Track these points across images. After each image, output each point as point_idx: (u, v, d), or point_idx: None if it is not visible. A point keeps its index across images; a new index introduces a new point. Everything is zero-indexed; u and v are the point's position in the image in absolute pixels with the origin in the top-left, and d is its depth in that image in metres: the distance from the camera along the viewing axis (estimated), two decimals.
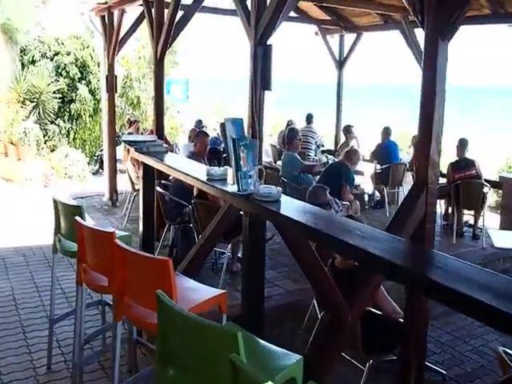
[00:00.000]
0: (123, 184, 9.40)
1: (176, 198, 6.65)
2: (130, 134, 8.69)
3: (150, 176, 4.94)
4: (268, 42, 5.09)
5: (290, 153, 7.77)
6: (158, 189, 6.65)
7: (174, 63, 18.95)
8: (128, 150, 8.21)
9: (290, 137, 7.83)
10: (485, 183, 8.02)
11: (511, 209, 8.75)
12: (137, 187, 8.30)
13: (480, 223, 8.21)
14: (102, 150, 13.88)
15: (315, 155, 10.32)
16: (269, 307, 5.03)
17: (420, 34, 9.13)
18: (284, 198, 3.23)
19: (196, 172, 3.97)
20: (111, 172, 9.33)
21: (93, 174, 13.10)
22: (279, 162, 9.14)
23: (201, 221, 6.20)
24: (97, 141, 13.76)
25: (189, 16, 6.96)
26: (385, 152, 9.37)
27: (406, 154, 10.58)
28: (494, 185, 9.00)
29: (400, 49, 10.17)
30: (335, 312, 3.26)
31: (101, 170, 13.87)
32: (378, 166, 9.36)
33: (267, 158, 11.35)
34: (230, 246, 6.17)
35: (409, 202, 3.54)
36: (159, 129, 7.19)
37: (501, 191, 9.52)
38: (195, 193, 6.14)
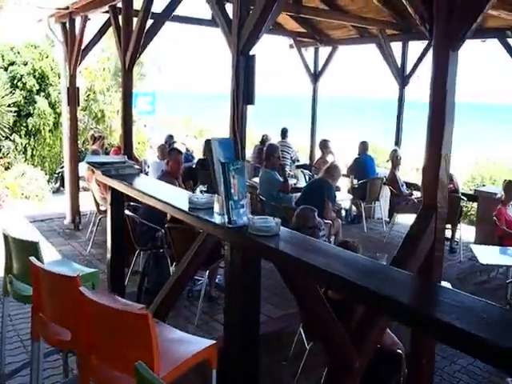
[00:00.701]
0: (86, 204, 8.77)
1: (147, 221, 6.14)
2: (94, 152, 8.07)
3: (119, 201, 4.42)
4: (251, 52, 4.70)
5: (268, 170, 7.32)
6: (127, 212, 6.12)
7: (141, 75, 18.39)
8: (90, 168, 7.71)
9: (268, 153, 7.39)
10: (462, 197, 7.87)
11: (487, 222, 8.58)
12: (102, 208, 7.73)
13: (457, 236, 8.14)
14: (62, 167, 13.24)
15: (290, 170, 9.95)
16: None
17: (396, 47, 8.92)
18: (283, 231, 2.77)
19: (176, 200, 3.46)
20: (73, 192, 8.69)
21: (53, 192, 12.40)
22: (255, 179, 8.71)
23: (175, 247, 5.69)
24: (57, 157, 13.05)
25: (159, 25, 6.52)
26: (362, 167, 9.11)
27: (383, 168, 10.31)
28: (470, 198, 8.98)
29: (376, 62, 9.95)
30: (342, 358, 2.81)
31: (62, 188, 13.16)
32: (355, 181, 9.11)
33: None
34: (207, 273, 5.71)
35: (417, 230, 3.14)
36: (127, 145, 6.69)
37: (475, 204, 9.40)
38: (168, 216, 5.65)
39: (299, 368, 4.45)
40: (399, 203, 8.24)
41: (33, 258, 3.13)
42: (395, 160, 8.29)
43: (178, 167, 6.34)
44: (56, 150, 12.89)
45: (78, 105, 8.67)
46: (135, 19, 6.33)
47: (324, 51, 10.33)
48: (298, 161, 10.40)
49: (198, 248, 4.03)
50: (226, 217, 2.86)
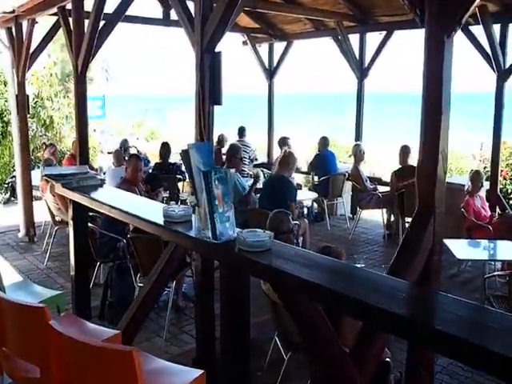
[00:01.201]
0: (41, 214, 8.25)
1: (107, 231, 5.74)
2: (47, 161, 7.51)
3: (82, 215, 4.02)
4: (216, 49, 4.39)
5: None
6: (90, 224, 5.71)
7: (89, 79, 17.69)
8: (44, 178, 7.20)
9: (231, 154, 7.06)
10: None
11: (452, 214, 8.47)
12: (57, 219, 7.25)
13: None
14: (13, 177, 12.56)
15: (249, 170, 9.66)
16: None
17: (354, 40, 8.72)
18: (274, 245, 2.47)
19: (148, 212, 3.12)
20: (26, 203, 8.14)
21: (4, 203, 11.74)
22: None
23: (140, 257, 5.33)
24: (6, 167, 12.36)
25: (111, 26, 6.10)
26: (323, 163, 8.85)
27: (344, 163, 10.12)
28: None
29: (333, 56, 9.75)
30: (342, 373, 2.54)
31: (12, 199, 12.51)
32: (316, 178, 8.89)
33: None
34: (173, 283, 5.36)
35: (414, 235, 2.89)
36: (83, 153, 6.21)
37: None
38: (131, 226, 5.27)
39: (278, 379, 4.16)
40: (363, 199, 8.04)
41: None
42: (358, 154, 8.08)
43: (138, 174, 5.94)
44: (5, 160, 12.20)
45: (28, 112, 8.13)
46: (86, 21, 5.91)
47: (279, 47, 10.06)
48: (256, 159, 10.10)
49: (167, 259, 3.68)
50: (210, 232, 2.53)
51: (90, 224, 5.71)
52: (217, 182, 2.58)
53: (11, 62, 7.84)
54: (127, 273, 5.69)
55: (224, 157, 10.31)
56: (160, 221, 2.92)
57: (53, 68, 14.55)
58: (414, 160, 8.00)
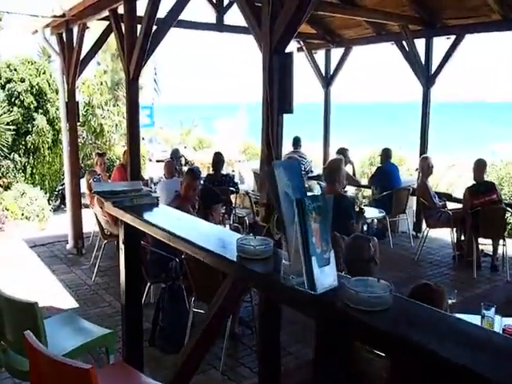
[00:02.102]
0: (88, 224, 7.80)
1: (158, 249, 5.16)
2: (91, 173, 6.99)
3: (134, 236, 3.43)
4: (287, 50, 3.77)
5: None
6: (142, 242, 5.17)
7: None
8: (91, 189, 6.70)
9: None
10: (508, 208, 6.80)
11: None
12: (106, 232, 6.75)
13: (499, 252, 7.01)
14: (63, 185, 12.25)
15: (305, 183, 8.99)
16: None
17: (419, 45, 7.98)
18: (395, 301, 1.78)
19: (217, 244, 2.49)
20: (75, 213, 7.69)
21: (54, 210, 11.42)
22: None
23: (194, 280, 4.73)
24: (57, 175, 12.06)
25: (164, 31, 5.59)
26: (385, 176, 8.06)
27: (409, 176, 9.30)
28: None
29: (391, 63, 8.98)
30: None
31: (62, 206, 12.22)
32: (377, 192, 8.12)
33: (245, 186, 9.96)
34: None
35: None
36: (134, 163, 5.73)
37: None
38: None
39: None
40: (431, 216, 7.21)
41: (29, 334, 2.14)
42: (426, 168, 7.26)
43: (192, 194, 5.33)
44: (55, 168, 11.90)
45: (78, 120, 7.69)
46: (139, 25, 5.42)
47: (335, 53, 9.37)
48: (312, 171, 9.40)
49: (227, 293, 3.02)
50: (304, 278, 1.88)
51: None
52: (314, 214, 1.93)
53: (61, 68, 7.42)
54: (180, 295, 5.10)
55: None
56: (232, 255, 2.29)
57: (103, 76, 14.29)
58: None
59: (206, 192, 4.99)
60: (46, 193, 11.30)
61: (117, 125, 13.74)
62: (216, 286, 4.64)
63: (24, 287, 6.21)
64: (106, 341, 2.95)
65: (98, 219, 6.67)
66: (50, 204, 11.00)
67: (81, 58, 7.11)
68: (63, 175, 12.23)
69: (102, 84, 13.74)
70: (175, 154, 8.84)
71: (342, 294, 1.79)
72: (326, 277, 1.90)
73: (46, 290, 6.24)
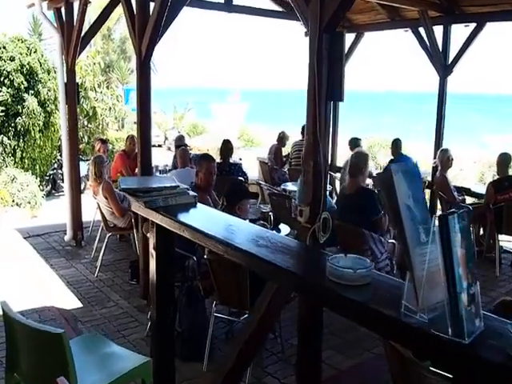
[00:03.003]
0: (87, 210, 7.20)
1: (177, 247, 4.62)
2: (99, 158, 6.30)
3: (167, 241, 2.88)
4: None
5: None
6: (149, 235, 4.61)
7: (131, 70, 16.69)
8: (96, 177, 6.11)
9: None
10: None
11: None
12: (111, 224, 6.19)
13: None
14: (54, 169, 11.62)
15: None
16: None
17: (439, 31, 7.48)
18: None
19: (285, 256, 1.97)
20: (74, 201, 7.05)
21: (46, 195, 10.78)
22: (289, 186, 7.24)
23: (218, 283, 4.21)
24: (48, 159, 11.39)
25: (178, 7, 5.01)
26: None
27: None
28: None
29: (403, 51, 8.46)
30: None
31: (53, 191, 11.60)
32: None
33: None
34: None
35: None
36: (146, 152, 5.16)
37: None
38: None
39: None
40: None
41: (62, 381, 1.61)
42: (446, 161, 6.80)
43: (212, 179, 4.80)
44: (47, 152, 11.23)
45: (78, 102, 7.03)
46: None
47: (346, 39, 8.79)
48: None
49: (271, 300, 2.51)
50: (449, 323, 1.38)
51: (149, 235, 4.64)
52: (459, 236, 1.43)
53: (60, 46, 6.74)
54: (198, 297, 4.58)
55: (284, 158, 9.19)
56: (320, 277, 1.78)
57: (96, 57, 13.57)
58: None
59: (233, 187, 4.42)
60: (36, 177, 10.63)
61: (110, 108, 13.08)
62: (242, 289, 4.16)
63: (20, 284, 5.64)
64: (141, 371, 2.42)
65: (101, 210, 6.09)
66: (41, 190, 10.34)
67: (82, 35, 6.47)
68: (54, 159, 11.61)
69: (95, 65, 13.01)
70: (180, 141, 8.18)
71: (499, 341, 1.30)
72: (473, 318, 1.40)
73: (45, 287, 5.66)
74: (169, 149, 17.58)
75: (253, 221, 4.86)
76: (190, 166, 6.22)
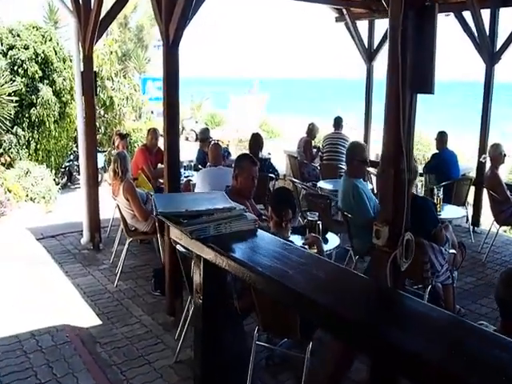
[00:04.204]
0: (104, 206, 6.48)
1: None
2: (120, 155, 5.46)
3: (218, 278, 2.13)
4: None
5: (352, 180, 4.98)
6: (179, 247, 3.88)
7: (147, 59, 15.87)
8: (118, 176, 5.36)
9: (351, 156, 5.08)
10: None
11: None
12: (131, 227, 5.45)
13: None
14: (70, 161, 10.92)
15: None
16: None
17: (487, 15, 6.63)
18: None
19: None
20: (91, 200, 6.29)
21: (61, 188, 10.08)
22: (325, 185, 6.45)
23: (263, 311, 3.48)
24: (64, 151, 10.66)
25: None
26: (443, 165, 6.74)
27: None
28: None
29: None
30: None
31: (69, 184, 10.90)
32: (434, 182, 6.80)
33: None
34: None
35: None
36: (174, 148, 4.40)
37: None
38: None
39: None
40: (503, 211, 5.97)
41: None
42: (498, 157, 5.97)
43: (252, 185, 4.01)
44: (62, 143, 10.50)
45: (96, 94, 6.25)
46: None
47: (379, 25, 7.96)
48: None
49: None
50: None
51: (178, 247, 3.89)
52: None
53: (76, 32, 5.96)
54: (237, 320, 3.84)
55: (315, 150, 8.39)
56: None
57: (113, 46, 12.74)
58: None
59: (279, 194, 3.61)
60: (51, 170, 9.92)
61: (127, 98, 12.30)
62: (291, 317, 3.42)
63: (32, 295, 4.94)
64: None
65: (121, 212, 5.35)
66: (56, 183, 9.63)
67: (100, 19, 5.68)
68: (70, 151, 10.88)
69: (111, 53, 12.20)
70: (205, 135, 7.34)
71: None
72: None
73: (59, 299, 4.95)
74: (186, 139, 16.77)
75: (296, 229, 4.10)
76: (224, 163, 5.40)
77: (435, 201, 5.08)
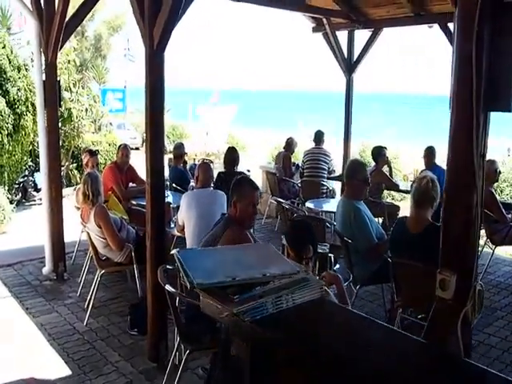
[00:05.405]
0: (69, 223, 5.70)
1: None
2: (91, 176, 4.63)
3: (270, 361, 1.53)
4: None
5: (352, 202, 4.45)
6: (169, 287, 3.22)
7: (106, 69, 14.97)
8: (88, 200, 4.63)
9: (350, 174, 4.56)
10: None
11: None
12: (103, 257, 4.71)
13: None
14: (24, 177, 10.00)
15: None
16: None
17: None
18: None
19: None
20: (54, 223, 5.49)
21: (16, 205, 9.13)
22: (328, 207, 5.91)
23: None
24: (18, 165, 9.70)
25: None
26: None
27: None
28: None
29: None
30: None
31: (24, 201, 9.95)
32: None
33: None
34: None
35: None
36: (158, 166, 3.76)
37: None
38: None
39: None
40: (498, 231, 5.59)
41: None
42: (492, 174, 5.60)
43: (254, 212, 3.39)
44: (16, 158, 9.53)
45: (60, 106, 5.49)
46: None
47: (360, 36, 7.51)
48: (334, 171, 7.58)
49: None
50: None
51: (170, 288, 3.24)
52: None
53: (37, 35, 5.20)
54: (240, 369, 3.19)
55: (294, 168, 7.86)
56: None
57: (71, 54, 11.85)
58: None
59: (298, 230, 2.97)
60: (4, 186, 8.97)
61: (87, 109, 11.42)
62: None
63: None
64: None
65: (91, 241, 4.61)
66: (10, 201, 8.69)
67: (64, 24, 4.95)
68: (25, 166, 9.95)
69: (69, 63, 11.31)
70: (180, 150, 6.62)
71: None
72: None
73: (20, 344, 4.16)
74: None
75: None
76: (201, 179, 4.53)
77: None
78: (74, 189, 6.79)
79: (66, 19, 4.93)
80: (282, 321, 1.33)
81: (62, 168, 10.47)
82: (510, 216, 5.74)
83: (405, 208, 7.33)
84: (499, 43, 1.97)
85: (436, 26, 6.77)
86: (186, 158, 7.47)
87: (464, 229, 2.04)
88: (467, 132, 1.98)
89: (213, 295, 1.35)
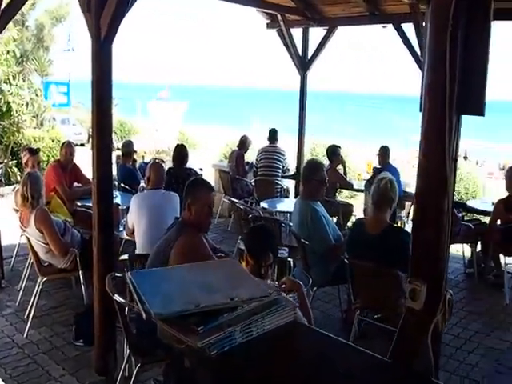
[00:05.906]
0: (6, 224, 5.34)
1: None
2: (31, 176, 4.28)
3: None
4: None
5: (309, 202, 4.35)
6: (118, 297, 3.01)
7: (49, 60, 14.31)
8: (28, 202, 4.32)
9: (308, 174, 4.45)
10: None
11: None
12: (45, 264, 4.41)
13: None
14: None
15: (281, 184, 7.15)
16: None
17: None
18: None
19: None
20: None
21: None
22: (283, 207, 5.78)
23: None
24: None
25: None
26: None
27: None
28: None
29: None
30: None
31: None
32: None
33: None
34: None
35: None
36: (105, 166, 3.53)
37: None
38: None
39: None
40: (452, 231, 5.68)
41: None
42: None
43: (209, 215, 3.21)
44: None
45: None
46: None
47: (314, 33, 7.44)
48: (288, 170, 7.50)
49: None
50: None
51: (120, 299, 3.03)
52: None
53: None
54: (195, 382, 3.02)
55: (247, 167, 7.73)
56: None
57: (10, 45, 11.23)
58: None
59: (260, 237, 2.79)
60: None
61: (28, 103, 10.85)
62: None
63: None
64: None
65: (31, 246, 4.30)
66: None
67: (2, 8, 4.59)
68: None
69: (8, 53, 10.71)
70: (129, 148, 6.33)
71: None
72: None
73: None
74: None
75: None
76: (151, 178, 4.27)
77: (399, 224, 4.62)
78: (14, 188, 6.40)
79: (2, 7, 4.56)
80: (252, 351, 1.18)
81: (1, 165, 9.95)
82: (460, 215, 5.86)
83: (357, 206, 7.38)
84: (474, 42, 1.89)
85: (390, 27, 6.80)
86: (135, 156, 7.19)
87: (435, 235, 1.96)
88: (439, 135, 1.89)
89: (173, 326, 1.18)
